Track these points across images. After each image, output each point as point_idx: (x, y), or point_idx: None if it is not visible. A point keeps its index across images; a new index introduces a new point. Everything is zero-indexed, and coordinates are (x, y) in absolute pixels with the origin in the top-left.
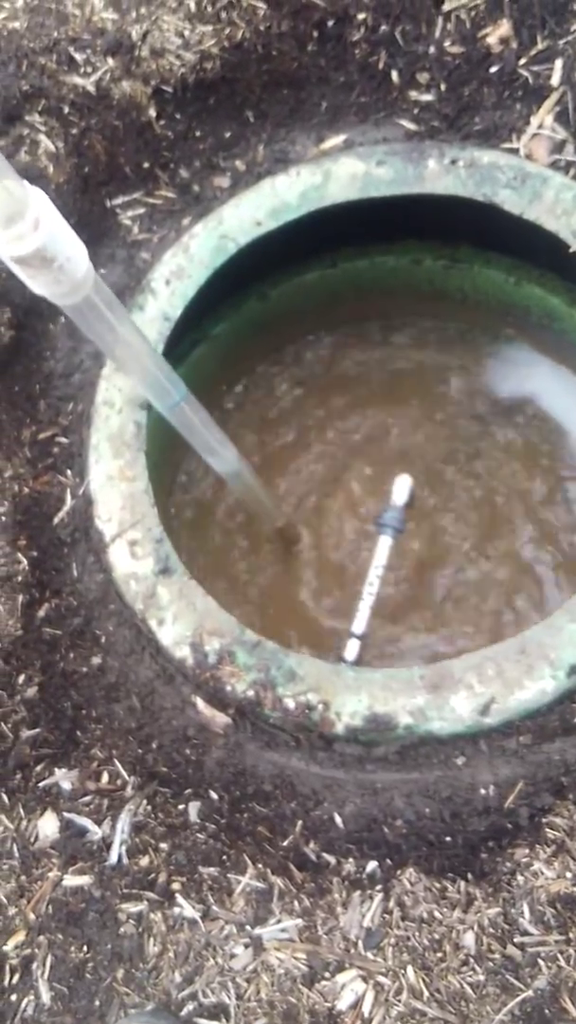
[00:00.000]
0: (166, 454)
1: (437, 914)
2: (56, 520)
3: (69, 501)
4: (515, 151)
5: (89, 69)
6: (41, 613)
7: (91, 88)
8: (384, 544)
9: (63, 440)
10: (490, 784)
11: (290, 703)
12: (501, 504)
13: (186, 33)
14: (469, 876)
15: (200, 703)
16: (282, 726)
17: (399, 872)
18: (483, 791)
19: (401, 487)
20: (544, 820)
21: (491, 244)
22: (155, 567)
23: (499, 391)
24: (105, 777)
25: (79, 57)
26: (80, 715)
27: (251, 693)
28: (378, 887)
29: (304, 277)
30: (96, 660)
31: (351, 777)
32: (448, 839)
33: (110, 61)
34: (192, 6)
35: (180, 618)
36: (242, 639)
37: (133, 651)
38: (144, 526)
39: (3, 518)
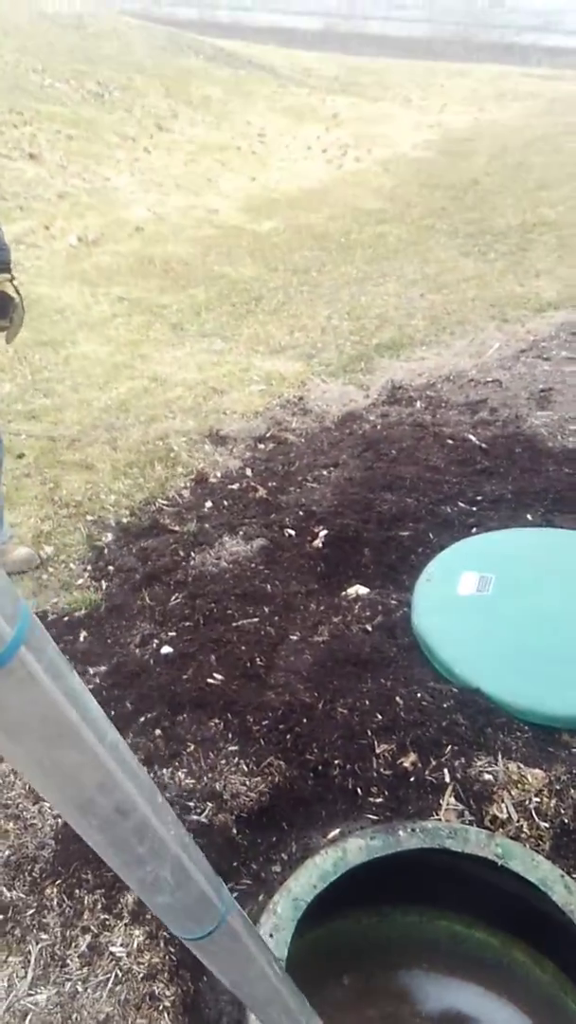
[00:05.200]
0: None
1: None
2: None
3: None
4: (439, 819)
5: (201, 807)
6: None
7: (205, 820)
8: None
9: None
10: None
11: None
12: None
13: (247, 782)
14: None
15: None
16: None
17: None
18: None
19: None
20: None
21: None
22: None
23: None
24: None
25: (191, 804)
26: None
27: None
28: None
29: (357, 920)
30: None
31: None
32: None
33: (210, 804)
34: (244, 767)
35: None
36: None
37: None
38: None
39: None
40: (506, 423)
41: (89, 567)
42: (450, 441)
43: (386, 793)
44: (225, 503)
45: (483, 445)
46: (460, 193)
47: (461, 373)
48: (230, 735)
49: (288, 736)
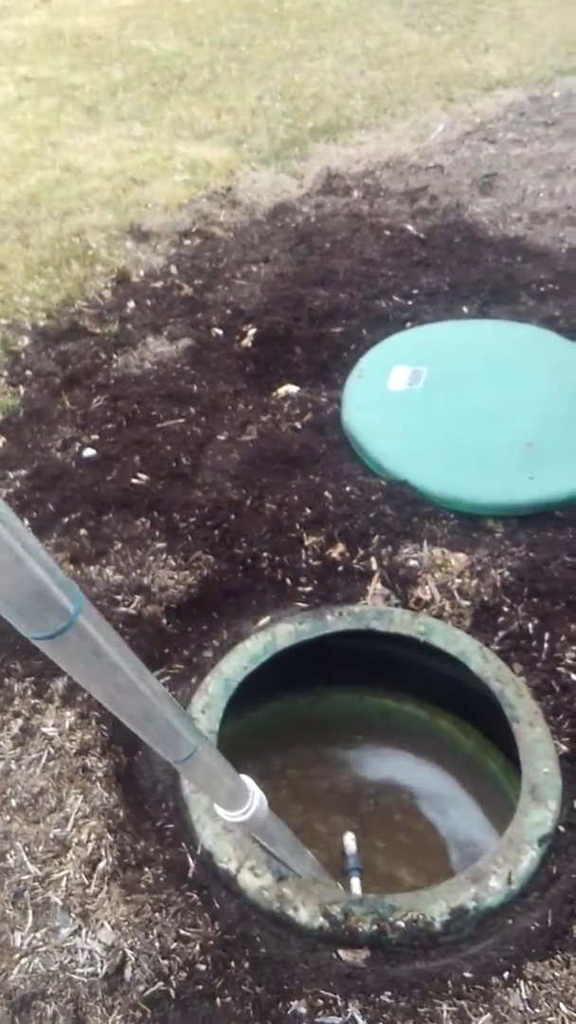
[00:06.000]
0: None
1: None
2: (189, 875)
3: (192, 862)
4: (366, 603)
5: (129, 600)
6: (197, 948)
7: (133, 612)
8: (356, 884)
9: (170, 826)
10: None
11: (401, 923)
12: None
13: (175, 576)
14: None
15: (342, 952)
16: (401, 941)
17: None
18: None
19: (349, 841)
20: None
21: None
22: (273, 878)
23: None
24: None
25: (119, 598)
26: None
27: (375, 927)
28: None
29: (293, 702)
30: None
31: (457, 961)
32: None
33: (138, 597)
34: (172, 562)
35: (307, 902)
36: (351, 899)
37: (281, 942)
38: (255, 855)
39: (162, 878)
40: (446, 211)
41: (5, 372)
42: (387, 232)
43: (315, 582)
44: (148, 303)
45: (421, 235)
46: None
47: (402, 158)
48: (157, 533)
49: (216, 532)
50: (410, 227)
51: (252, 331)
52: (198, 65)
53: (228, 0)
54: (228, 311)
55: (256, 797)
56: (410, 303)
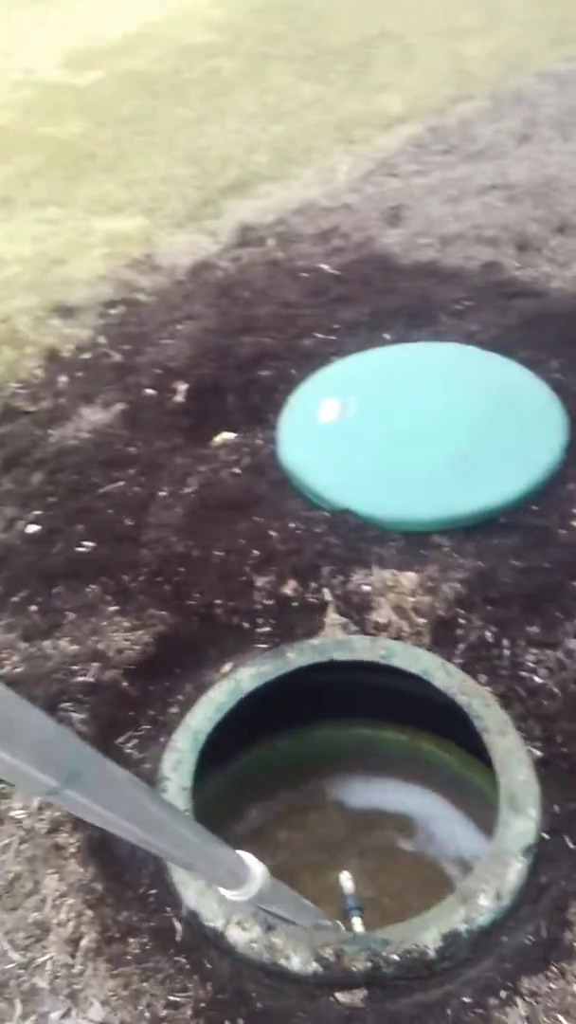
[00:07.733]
0: None
1: None
2: (177, 939)
3: (178, 925)
4: (324, 635)
5: (86, 669)
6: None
7: (92, 680)
8: (358, 923)
9: (153, 891)
10: None
11: (395, 957)
12: None
13: (131, 637)
14: None
15: (339, 995)
16: (397, 975)
17: None
18: None
19: (345, 880)
20: None
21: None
22: (261, 929)
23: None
24: None
25: (76, 668)
26: None
27: (369, 964)
28: None
29: (273, 747)
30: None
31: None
32: None
33: (95, 664)
34: (127, 624)
35: (298, 949)
36: (342, 939)
37: (277, 992)
38: (241, 909)
39: (148, 947)
40: (359, 247)
41: None
42: (304, 274)
43: (272, 622)
44: (79, 374)
45: (336, 273)
46: (293, 14)
47: (311, 203)
48: (108, 597)
49: (167, 587)
50: (325, 266)
51: (183, 387)
52: (104, 143)
53: (126, 79)
54: (158, 371)
55: (258, 875)
56: (333, 338)
